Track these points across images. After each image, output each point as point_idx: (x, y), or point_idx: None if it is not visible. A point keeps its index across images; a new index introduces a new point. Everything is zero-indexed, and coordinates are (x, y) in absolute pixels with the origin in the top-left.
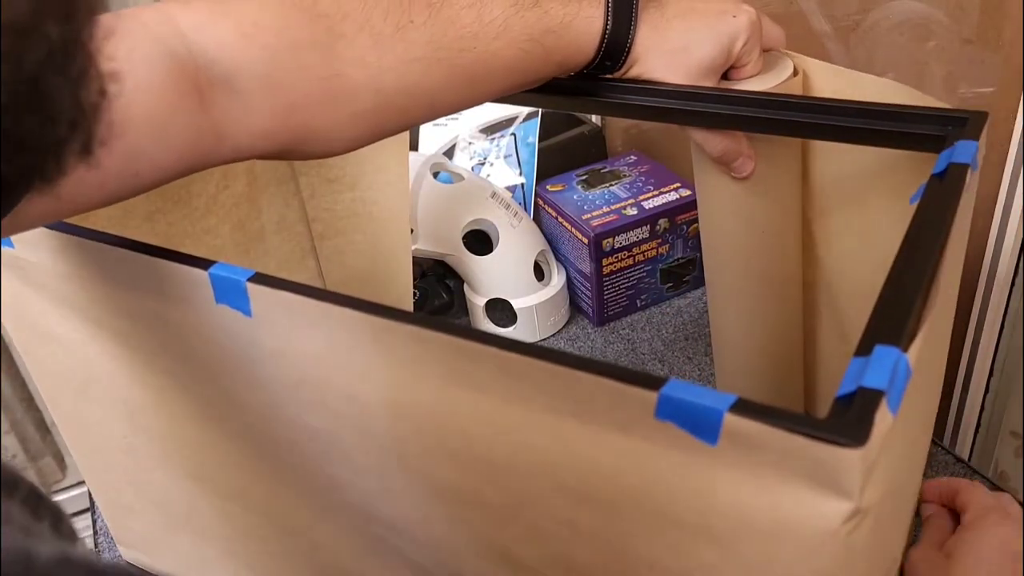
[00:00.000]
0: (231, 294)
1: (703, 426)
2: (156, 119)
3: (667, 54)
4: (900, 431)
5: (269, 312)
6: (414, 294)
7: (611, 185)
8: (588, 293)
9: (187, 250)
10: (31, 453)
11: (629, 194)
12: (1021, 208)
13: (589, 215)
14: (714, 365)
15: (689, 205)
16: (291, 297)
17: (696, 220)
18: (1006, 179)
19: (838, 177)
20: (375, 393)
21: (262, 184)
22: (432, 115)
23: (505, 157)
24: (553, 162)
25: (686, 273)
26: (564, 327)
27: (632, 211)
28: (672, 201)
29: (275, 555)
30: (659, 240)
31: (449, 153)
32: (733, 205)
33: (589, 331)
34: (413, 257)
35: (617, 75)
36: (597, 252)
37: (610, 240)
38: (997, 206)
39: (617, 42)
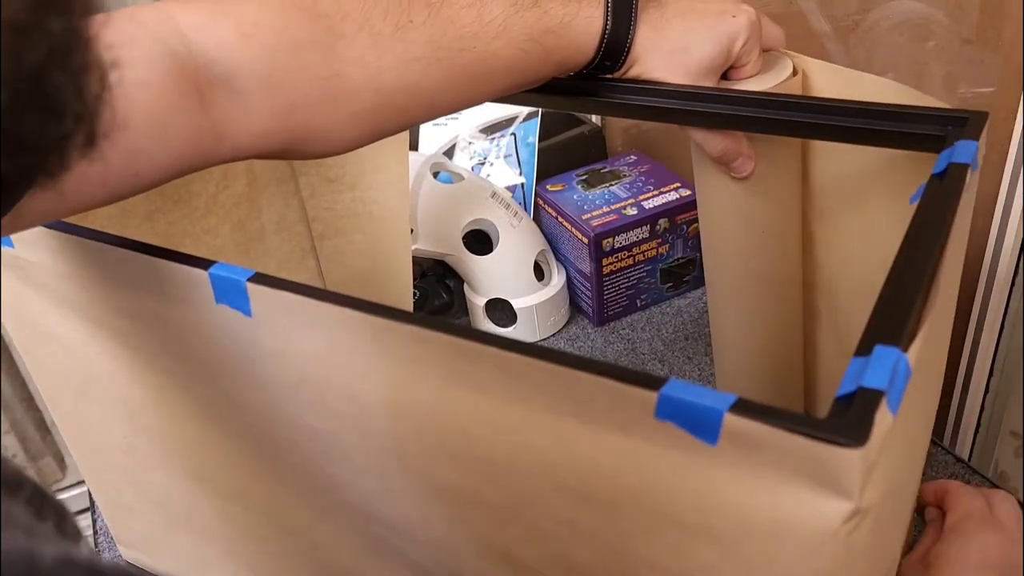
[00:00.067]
0: (231, 294)
1: (703, 426)
2: (156, 118)
3: (667, 54)
4: (900, 431)
5: (269, 312)
6: (414, 294)
7: (611, 185)
8: (588, 293)
9: (187, 250)
10: (31, 453)
11: (629, 194)
12: (1021, 208)
13: (589, 215)
14: (714, 365)
15: (689, 205)
16: (291, 297)
17: (696, 220)
18: (1006, 179)
19: (838, 177)
20: (375, 393)
21: (262, 184)
22: (432, 115)
23: (505, 157)
24: (553, 162)
25: (686, 273)
26: (564, 327)
27: (632, 211)
28: (672, 201)
29: (275, 555)
30: (659, 240)
31: (449, 153)
32: (733, 205)
33: (589, 331)
34: (413, 257)
35: (617, 75)
36: (597, 252)
37: (610, 240)
38: (997, 206)
39: (617, 42)
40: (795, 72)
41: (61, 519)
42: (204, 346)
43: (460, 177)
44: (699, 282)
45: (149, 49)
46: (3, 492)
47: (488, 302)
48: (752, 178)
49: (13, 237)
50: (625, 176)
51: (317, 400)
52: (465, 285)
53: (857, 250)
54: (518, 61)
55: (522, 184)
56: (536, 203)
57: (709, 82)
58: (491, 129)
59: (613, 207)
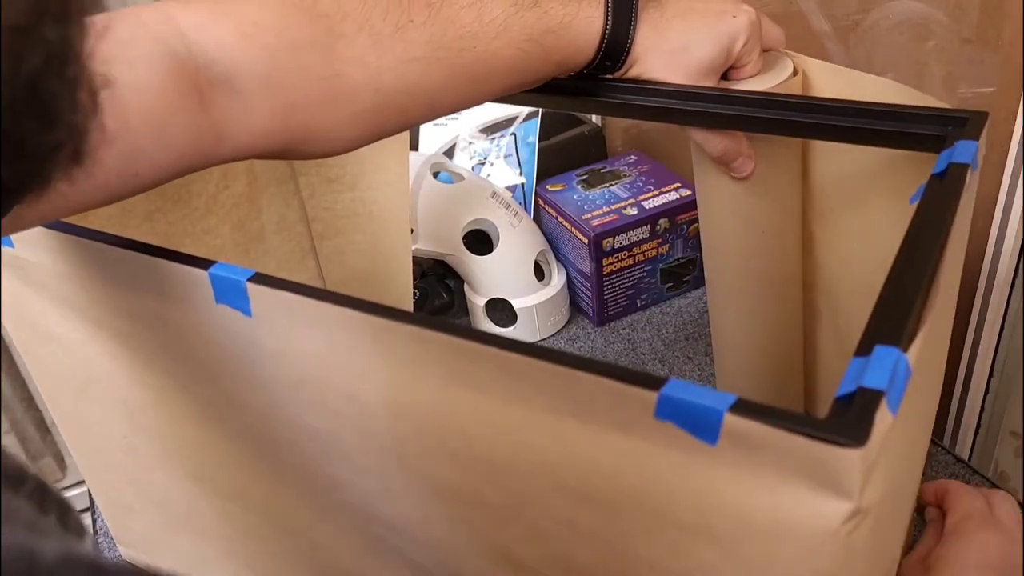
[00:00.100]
0: (231, 294)
1: (703, 426)
2: (156, 119)
3: (667, 54)
4: (900, 431)
5: (269, 312)
6: (414, 294)
7: (611, 185)
8: (588, 293)
9: (187, 250)
10: (31, 453)
11: (629, 194)
12: (1021, 208)
13: (589, 215)
14: (714, 365)
15: (689, 205)
16: (291, 297)
17: (696, 220)
18: (1006, 179)
19: (838, 177)
20: (375, 393)
21: (262, 184)
22: (432, 115)
23: (505, 157)
24: (553, 162)
25: (686, 273)
26: (564, 327)
27: (632, 211)
28: (672, 201)
29: (275, 555)
30: (659, 240)
31: (449, 153)
32: (733, 205)
33: (589, 331)
34: (413, 257)
35: (617, 75)
36: (597, 252)
37: (610, 240)
38: (997, 206)
39: (617, 42)
40: (795, 72)
41: (64, 514)
42: (204, 346)
43: (460, 177)
44: (699, 282)
45: (149, 49)
46: (5, 487)
47: (488, 302)
48: (752, 178)
49: (13, 237)
50: (625, 176)
51: (317, 400)
52: (465, 285)
53: (857, 250)
54: (518, 61)
55: (522, 184)
56: (536, 203)
57: (709, 82)
58: (491, 129)
59: (613, 207)
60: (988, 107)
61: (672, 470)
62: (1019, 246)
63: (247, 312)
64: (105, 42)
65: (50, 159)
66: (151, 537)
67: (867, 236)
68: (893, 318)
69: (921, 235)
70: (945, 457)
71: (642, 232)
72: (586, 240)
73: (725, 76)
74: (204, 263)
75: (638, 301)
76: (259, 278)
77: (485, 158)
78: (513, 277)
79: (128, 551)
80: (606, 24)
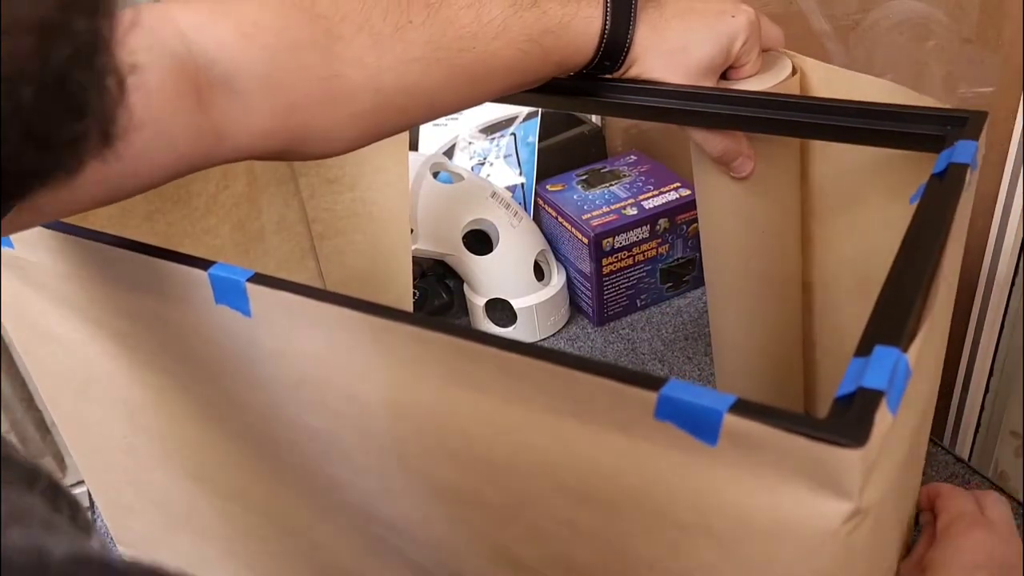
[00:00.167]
0: (231, 294)
1: (703, 426)
2: (156, 119)
3: (666, 54)
4: (900, 431)
5: (269, 312)
6: (414, 294)
7: (611, 185)
8: (588, 293)
9: (187, 250)
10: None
11: (629, 194)
12: (1021, 208)
13: (589, 215)
14: (714, 365)
15: (689, 205)
16: (291, 297)
17: (696, 220)
18: (1006, 179)
19: (837, 177)
20: (375, 393)
21: (262, 184)
22: (431, 115)
23: (505, 157)
24: (553, 162)
25: (686, 273)
26: (564, 327)
27: (632, 211)
28: (672, 201)
29: (275, 555)
30: (659, 240)
31: (449, 153)
32: (733, 205)
33: (589, 331)
34: (413, 257)
35: (616, 75)
36: (597, 252)
37: (610, 240)
38: (997, 206)
39: (616, 42)
40: (794, 72)
41: (75, 511)
42: (204, 346)
43: (460, 177)
44: (699, 282)
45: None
46: (20, 485)
47: (488, 302)
48: (752, 178)
49: (13, 237)
50: (625, 176)
51: (317, 400)
52: (465, 285)
53: (857, 250)
54: (517, 61)
55: (522, 184)
56: (536, 203)
57: (708, 82)
58: (491, 129)
59: (613, 207)
60: (988, 107)
61: (672, 470)
62: (1019, 246)
63: (247, 312)
64: (130, 35)
65: (75, 148)
66: (151, 537)
67: (866, 236)
68: (893, 318)
69: (921, 235)
70: (945, 457)
71: (642, 232)
72: (586, 240)
73: (724, 76)
74: (204, 263)
75: (638, 301)
76: (259, 278)
77: (485, 158)
78: (513, 277)
79: (128, 551)
80: (605, 24)
